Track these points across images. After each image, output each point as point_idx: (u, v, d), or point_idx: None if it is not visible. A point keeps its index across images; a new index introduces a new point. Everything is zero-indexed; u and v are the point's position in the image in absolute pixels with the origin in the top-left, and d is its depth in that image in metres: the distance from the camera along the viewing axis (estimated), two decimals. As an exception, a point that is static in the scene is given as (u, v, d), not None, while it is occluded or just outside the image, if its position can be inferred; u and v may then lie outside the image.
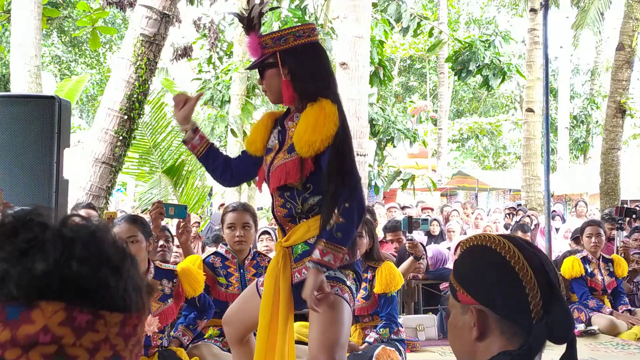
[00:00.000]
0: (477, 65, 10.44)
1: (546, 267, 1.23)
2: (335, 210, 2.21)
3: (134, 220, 3.31)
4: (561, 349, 1.22)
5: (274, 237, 5.65)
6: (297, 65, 2.33)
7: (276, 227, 2.61)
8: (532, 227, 7.47)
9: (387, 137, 10.74)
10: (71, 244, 0.68)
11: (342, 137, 2.28)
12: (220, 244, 4.01)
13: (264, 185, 2.51)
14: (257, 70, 2.44)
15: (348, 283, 2.34)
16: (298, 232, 2.35)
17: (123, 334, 0.69)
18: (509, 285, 1.20)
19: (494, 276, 1.23)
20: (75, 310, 0.65)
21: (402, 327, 4.03)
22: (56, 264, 0.66)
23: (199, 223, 7.28)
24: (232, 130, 10.33)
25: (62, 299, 0.65)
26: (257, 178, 2.57)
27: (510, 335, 1.20)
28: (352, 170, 2.28)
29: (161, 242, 4.14)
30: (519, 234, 6.75)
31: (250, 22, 2.38)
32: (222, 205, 9.14)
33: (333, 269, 2.27)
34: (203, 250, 5.18)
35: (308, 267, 2.22)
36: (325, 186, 2.27)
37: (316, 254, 2.20)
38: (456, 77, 10.75)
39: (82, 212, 4.69)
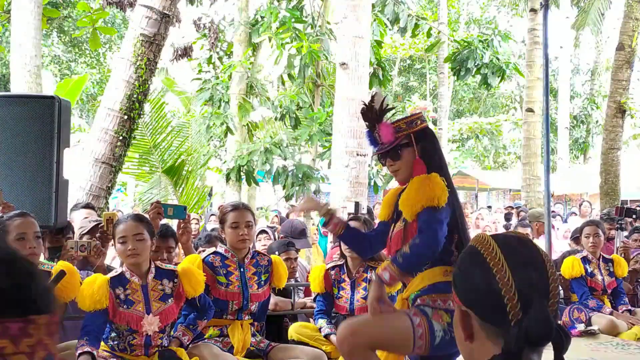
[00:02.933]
0: (476, 64, 10.42)
1: (534, 267, 1.19)
2: (409, 242, 2.59)
3: (139, 218, 3.34)
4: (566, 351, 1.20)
5: (272, 237, 5.66)
6: (427, 144, 2.75)
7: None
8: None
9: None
10: None
11: (446, 206, 2.60)
12: (219, 244, 3.99)
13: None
14: (379, 156, 2.83)
15: (428, 320, 2.58)
16: (414, 283, 2.72)
17: (50, 333, 0.73)
18: (485, 287, 1.18)
19: (473, 278, 1.22)
20: (7, 320, 0.69)
21: (402, 327, 4.02)
22: None
23: (198, 220, 7.26)
24: (228, 128, 10.29)
25: None
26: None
27: (495, 338, 1.18)
28: (440, 229, 2.58)
29: (165, 255, 4.11)
30: (519, 229, 6.75)
31: (381, 113, 2.77)
32: (221, 206, 9.10)
33: (423, 303, 2.62)
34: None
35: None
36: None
37: (380, 269, 2.62)
38: (455, 77, 10.72)
39: (82, 212, 4.68)
